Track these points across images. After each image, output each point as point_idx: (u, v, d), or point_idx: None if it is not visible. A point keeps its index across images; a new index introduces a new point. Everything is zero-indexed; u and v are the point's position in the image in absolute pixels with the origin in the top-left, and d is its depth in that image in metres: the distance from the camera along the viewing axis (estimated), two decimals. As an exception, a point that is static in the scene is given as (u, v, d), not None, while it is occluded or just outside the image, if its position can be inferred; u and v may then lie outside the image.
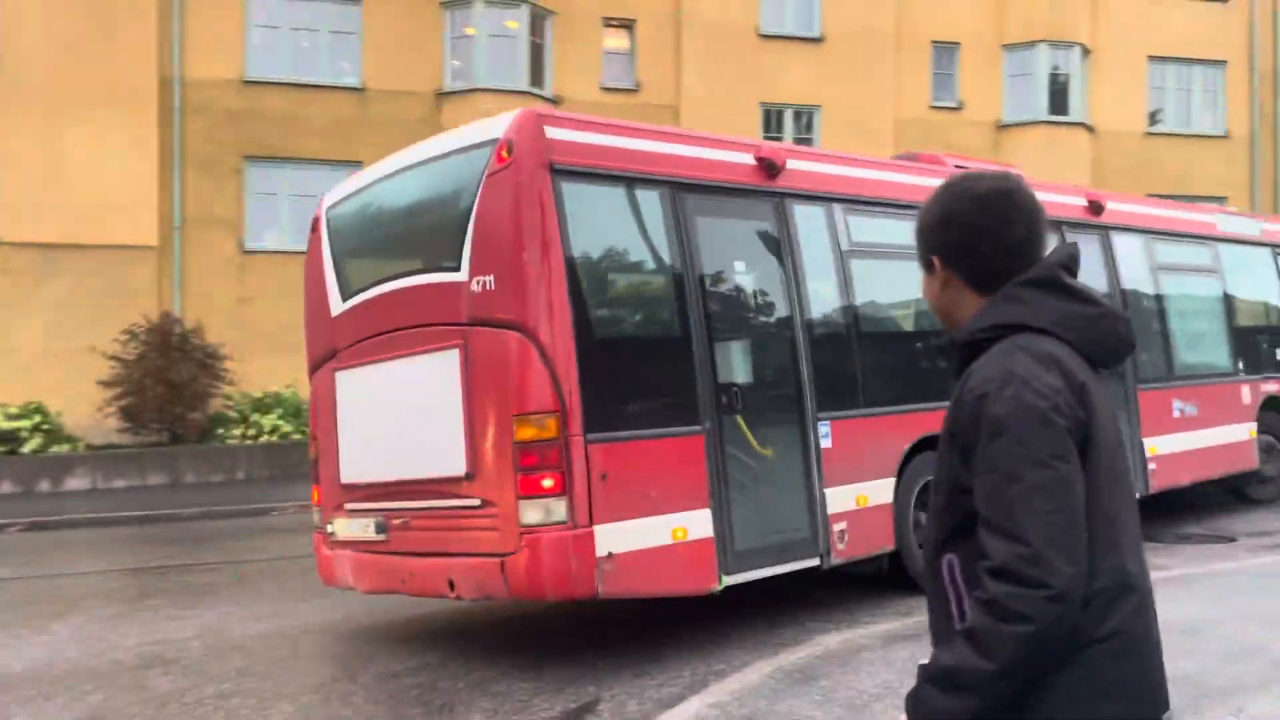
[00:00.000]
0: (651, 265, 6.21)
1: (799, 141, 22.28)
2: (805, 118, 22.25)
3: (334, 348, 6.71)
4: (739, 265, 6.57)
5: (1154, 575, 7.44)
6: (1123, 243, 9.68)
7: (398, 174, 6.53)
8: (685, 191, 6.18)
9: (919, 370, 7.62)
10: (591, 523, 5.37)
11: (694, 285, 6.14)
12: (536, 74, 20.61)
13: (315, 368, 6.96)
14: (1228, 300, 10.93)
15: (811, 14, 22.16)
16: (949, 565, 1.85)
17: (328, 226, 6.94)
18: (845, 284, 7.07)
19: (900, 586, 7.11)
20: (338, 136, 19.86)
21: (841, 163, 7.55)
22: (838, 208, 7.10)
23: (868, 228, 7.29)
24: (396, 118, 19.95)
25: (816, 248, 6.91)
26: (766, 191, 6.65)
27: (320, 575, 6.90)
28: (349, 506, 6.55)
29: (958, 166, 8.57)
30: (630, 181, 6.01)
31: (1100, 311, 1.89)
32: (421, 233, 6.41)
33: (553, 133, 5.68)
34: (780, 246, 6.68)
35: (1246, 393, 10.73)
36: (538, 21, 20.70)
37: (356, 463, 6.51)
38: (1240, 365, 10.84)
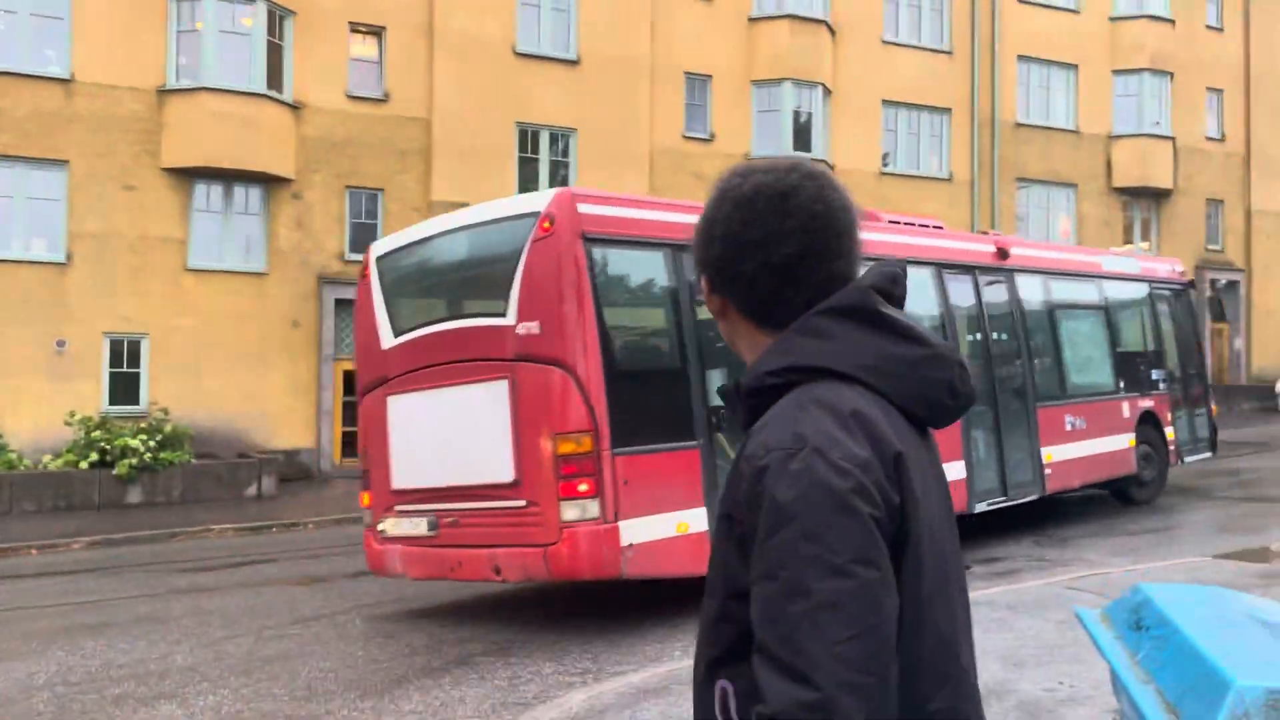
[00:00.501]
0: (657, 312, 7.83)
1: (555, 164, 21.93)
2: (562, 140, 21.94)
3: (385, 375, 8.09)
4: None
5: None
6: (1025, 283, 11.28)
7: (449, 233, 7.99)
8: (681, 251, 7.55)
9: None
10: (617, 519, 6.83)
11: (690, 327, 7.65)
12: (274, 76, 19.18)
13: (365, 392, 8.33)
14: (1111, 329, 12.60)
15: (568, 36, 21.92)
16: (722, 694, 1.38)
17: (378, 273, 8.29)
18: None
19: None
20: (39, 131, 17.66)
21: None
22: None
23: None
24: (109, 114, 17.98)
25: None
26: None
27: (371, 566, 8.32)
28: (399, 508, 7.92)
29: (892, 223, 10.37)
30: (640, 245, 7.58)
31: (927, 353, 1.44)
32: (472, 283, 8.02)
33: (583, 207, 7.18)
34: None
35: (1126, 408, 12.49)
36: (276, 20, 19.28)
37: (408, 472, 7.88)
38: (1121, 385, 12.56)
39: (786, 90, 23.86)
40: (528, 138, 21.68)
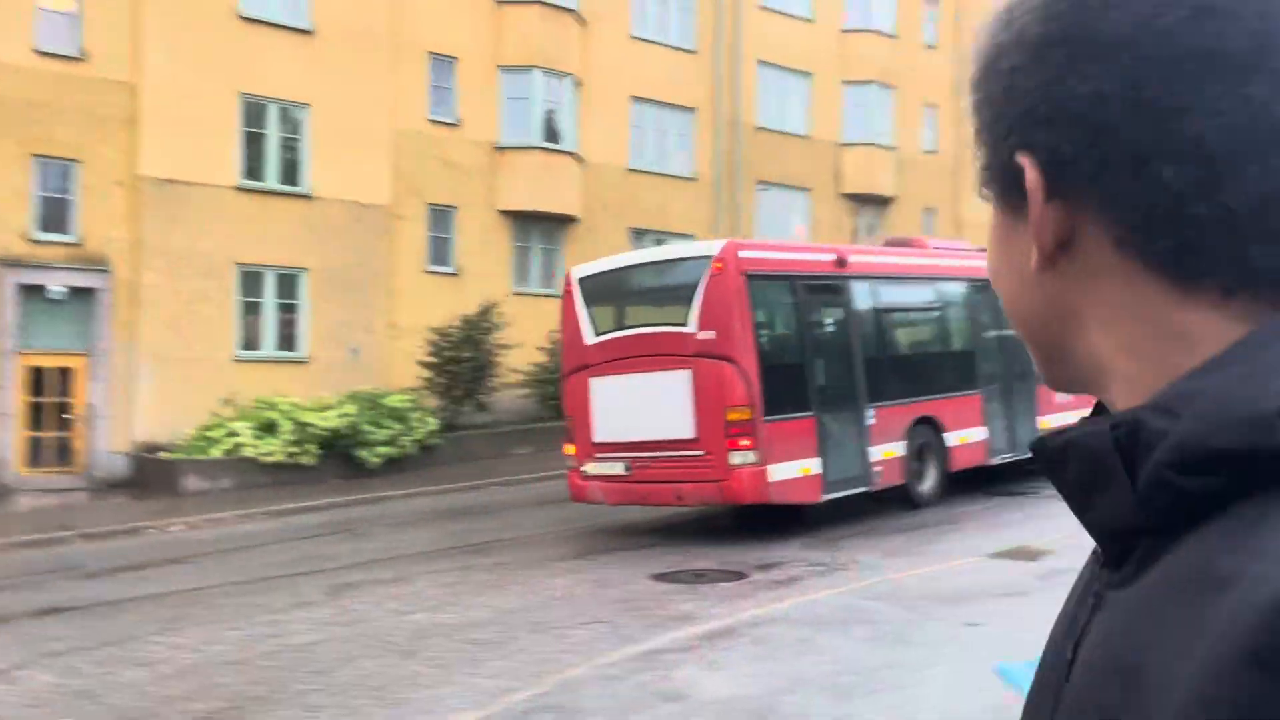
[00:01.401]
0: (787, 323, 11.55)
1: (286, 142, 19.98)
2: (294, 116, 20.00)
3: (587, 363, 11.49)
4: (827, 319, 12.10)
5: (693, 629, 6.24)
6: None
7: (641, 265, 12.00)
8: (800, 280, 11.45)
9: (921, 377, 12.96)
10: (765, 464, 10.30)
11: (805, 333, 11.56)
12: (-61, 22, 16.15)
13: (570, 374, 11.81)
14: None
15: (300, 2, 20.00)
16: None
17: (580, 290, 11.77)
18: (877, 331, 12.65)
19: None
20: None
21: (877, 254, 13.64)
22: (875, 282, 12.63)
23: (895, 294, 13.05)
24: None
25: (863, 309, 12.33)
26: (840, 276, 12.01)
27: (574, 498, 11.76)
28: (600, 456, 11.30)
29: (938, 249, 14.58)
30: (775, 278, 11.14)
31: None
32: (660, 301, 11.61)
33: (742, 254, 10.79)
34: (848, 308, 12.07)
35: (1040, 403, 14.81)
36: (-58, -45, 16.27)
37: (607, 430, 11.25)
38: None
39: (536, 79, 23.03)
40: (253, 111, 19.60)
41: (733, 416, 10.48)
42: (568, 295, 12.11)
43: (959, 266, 13.87)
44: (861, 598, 7.94)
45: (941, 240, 15.68)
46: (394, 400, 18.64)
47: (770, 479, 10.57)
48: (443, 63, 22.17)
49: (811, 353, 11.71)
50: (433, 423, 19.01)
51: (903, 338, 13.53)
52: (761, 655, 6.40)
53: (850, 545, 10.55)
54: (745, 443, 10.41)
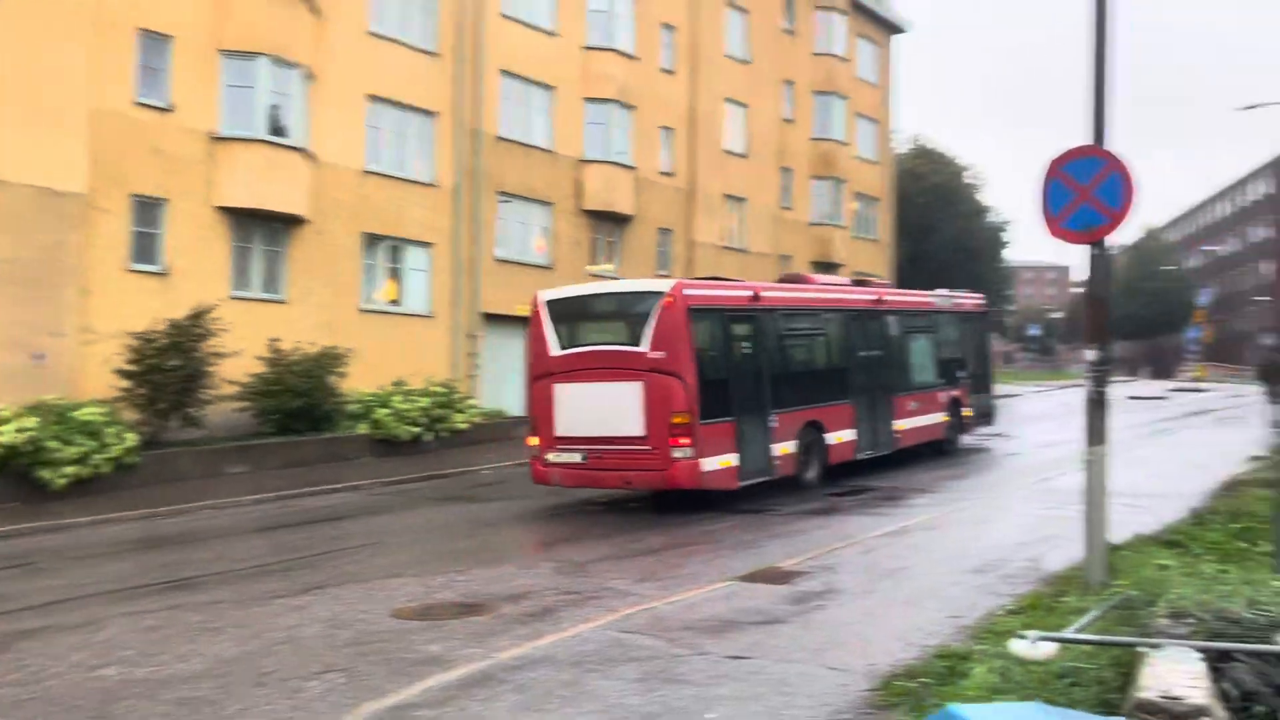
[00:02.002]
0: (718, 346, 14.24)
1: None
2: (-33, 85, 17.35)
3: (551, 371, 14.18)
4: (744, 343, 14.78)
5: (445, 675, 5.49)
6: (891, 318, 18.62)
7: (603, 295, 14.82)
8: (726, 312, 14.45)
9: (809, 389, 15.85)
10: (699, 458, 13.14)
11: (732, 356, 14.50)
12: None
13: (536, 380, 14.47)
14: (936, 343, 20.04)
15: (-19, -44, 17.41)
16: None
17: (547, 310, 14.45)
18: (779, 352, 15.49)
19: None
20: None
21: (779, 290, 16.65)
22: (779, 314, 15.61)
23: (791, 323, 16.06)
24: None
25: (769, 335, 15.24)
26: (754, 309, 14.97)
27: (535, 479, 14.39)
28: (560, 447, 14.03)
29: (823, 284, 18.70)
30: (711, 311, 14.06)
31: None
32: (620, 324, 14.17)
33: (687, 291, 13.67)
34: (760, 334, 15.03)
35: (942, 396, 20.03)
36: None
37: (567, 426, 13.98)
38: (940, 380, 19.98)
39: (262, 67, 21.34)
40: (-83, 76, 16.81)
41: (676, 420, 13.32)
42: (535, 314, 14.64)
43: (838, 299, 17.72)
44: (622, 630, 7.54)
45: (824, 277, 20.37)
46: (86, 413, 16.42)
47: (703, 470, 13.45)
48: (155, 41, 20.05)
49: (733, 370, 14.53)
50: (132, 439, 16.94)
51: (796, 357, 16.37)
52: (528, 706, 5.83)
53: (599, 570, 10.18)
54: (685, 441, 13.28)
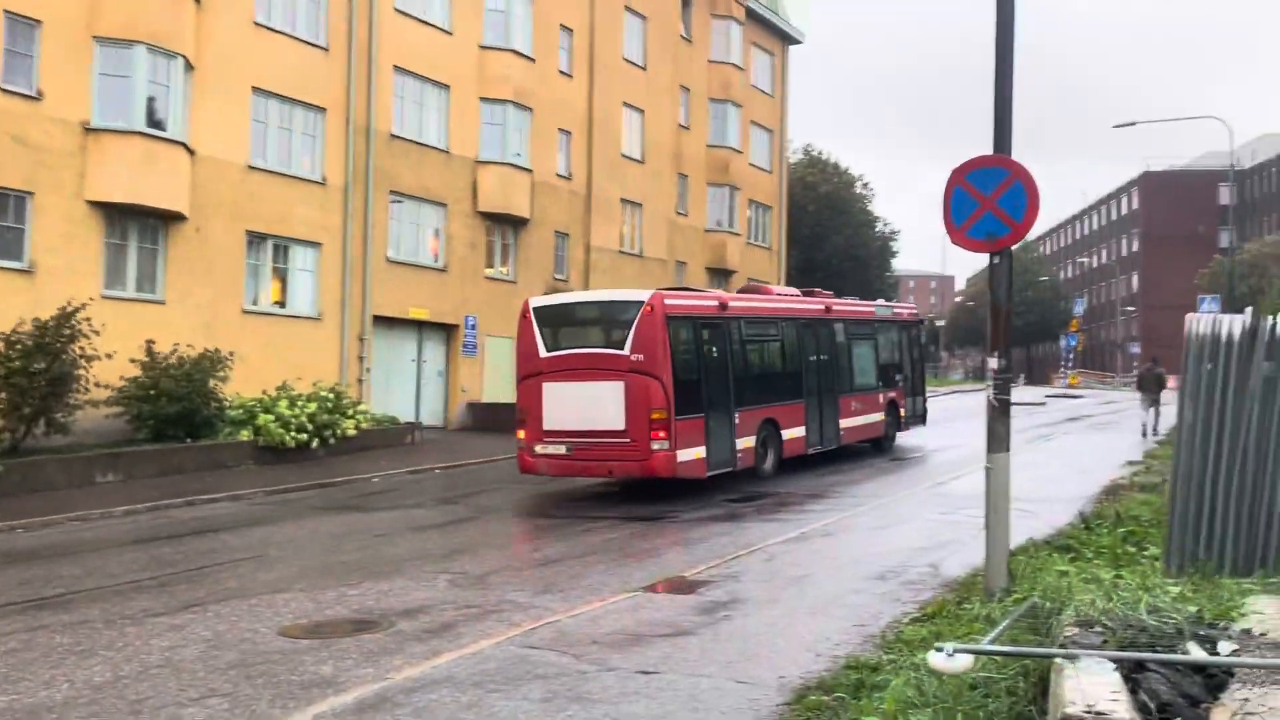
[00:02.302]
0: (693, 349, 15.73)
1: None
2: None
3: (540, 371, 15.50)
4: (713, 348, 16.22)
5: (337, 699, 5.15)
6: (837, 326, 20.33)
7: (588, 303, 16.61)
8: (700, 320, 16.00)
9: (767, 389, 17.58)
10: (674, 449, 14.58)
11: (705, 358, 15.93)
12: None
13: (525, 379, 15.80)
14: (876, 350, 21.77)
15: None
16: None
17: (535, 315, 15.86)
18: (742, 356, 17.19)
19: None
20: None
21: (742, 300, 18.23)
22: (742, 321, 17.26)
23: (753, 330, 17.81)
24: None
25: (734, 340, 16.81)
26: (721, 317, 16.50)
27: (523, 469, 15.80)
28: (547, 440, 15.38)
29: (779, 294, 20.62)
30: (687, 319, 15.66)
31: None
32: (603, 329, 15.65)
33: (667, 300, 15.19)
34: (725, 339, 16.57)
35: (882, 398, 21.86)
36: None
37: (555, 420, 15.30)
38: (879, 383, 21.80)
39: (139, 55, 20.31)
40: None
41: (654, 416, 14.82)
42: (525, 319, 16.08)
43: (791, 309, 19.53)
44: (526, 646, 7.28)
45: (779, 288, 22.77)
46: (-60, 419, 15.29)
47: (678, 460, 14.99)
48: (21, 24, 18.90)
49: (703, 371, 16.01)
50: (-7, 447, 15.85)
51: (756, 361, 18.07)
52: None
53: (498, 582, 9.87)
54: (662, 434, 14.79)
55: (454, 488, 17.85)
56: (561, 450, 15.44)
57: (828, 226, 53.32)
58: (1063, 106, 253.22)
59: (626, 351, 14.99)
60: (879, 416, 21.63)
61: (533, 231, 30.76)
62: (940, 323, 70.19)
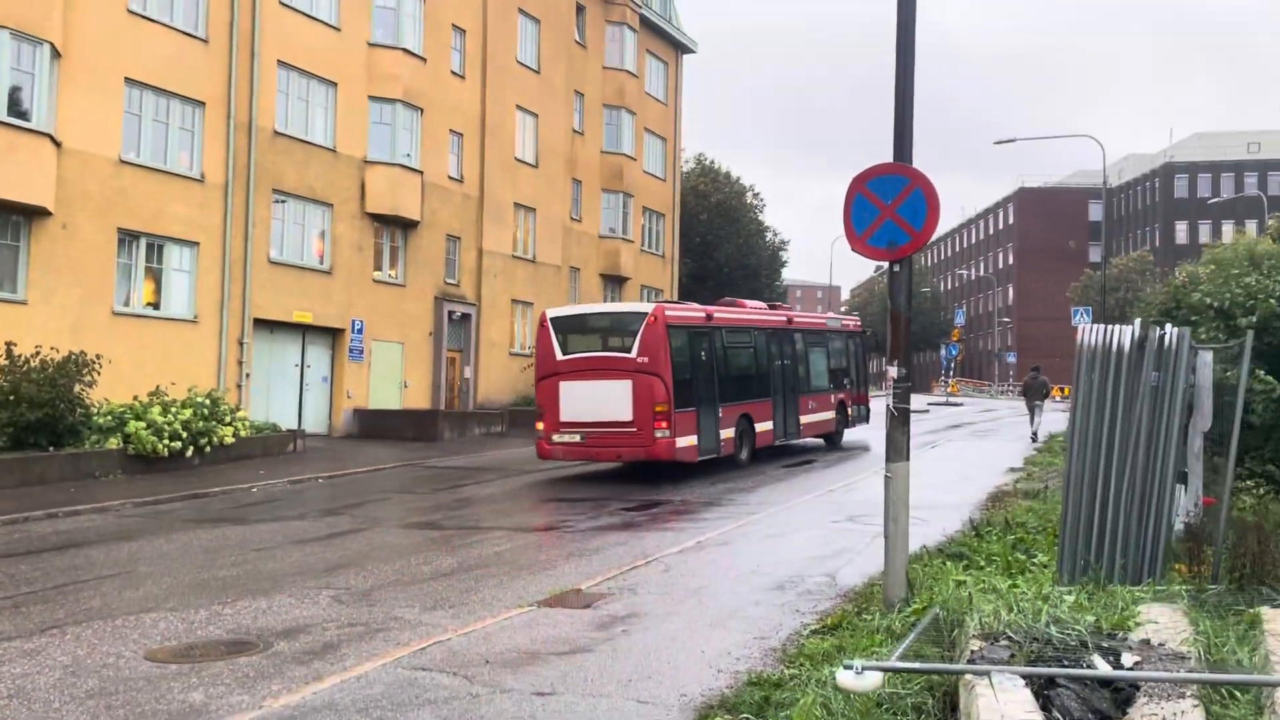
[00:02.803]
0: (686, 354, 18.65)
1: None
2: None
3: (557, 372, 18.43)
4: (702, 352, 19.24)
5: None
6: (797, 335, 23.24)
7: (600, 314, 20.10)
8: (692, 328, 19.18)
9: (743, 388, 20.34)
10: (673, 438, 17.77)
11: (698, 359, 19.10)
12: None
13: (543, 379, 18.76)
14: (828, 356, 24.84)
15: None
16: None
17: (552, 324, 18.74)
18: (724, 359, 20.11)
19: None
20: None
21: (724, 311, 21.01)
22: (724, 330, 20.26)
23: (732, 337, 20.65)
24: None
25: (718, 346, 19.85)
26: (708, 326, 19.74)
27: (540, 456, 18.75)
28: (563, 430, 18.32)
29: (753, 307, 23.44)
30: (683, 327, 18.77)
31: None
32: (614, 336, 18.70)
33: (668, 312, 18.54)
34: (711, 346, 19.62)
35: (833, 398, 24.74)
36: None
37: (570, 413, 18.23)
38: (831, 385, 24.78)
39: (3, 42, 19.06)
40: None
41: (658, 409, 17.85)
42: (543, 327, 19.10)
43: (761, 319, 22.36)
44: (415, 668, 6.89)
45: (750, 302, 24.37)
46: None
47: (677, 446, 18.03)
48: None
49: (694, 372, 18.96)
50: None
51: (734, 363, 20.83)
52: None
53: (385, 598, 9.43)
54: (663, 424, 17.80)
55: (339, 498, 17.25)
56: (576, 439, 18.54)
57: (719, 235, 53.73)
58: (940, 123, 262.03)
59: (633, 354, 18.12)
60: (831, 414, 24.84)
61: (423, 234, 30.08)
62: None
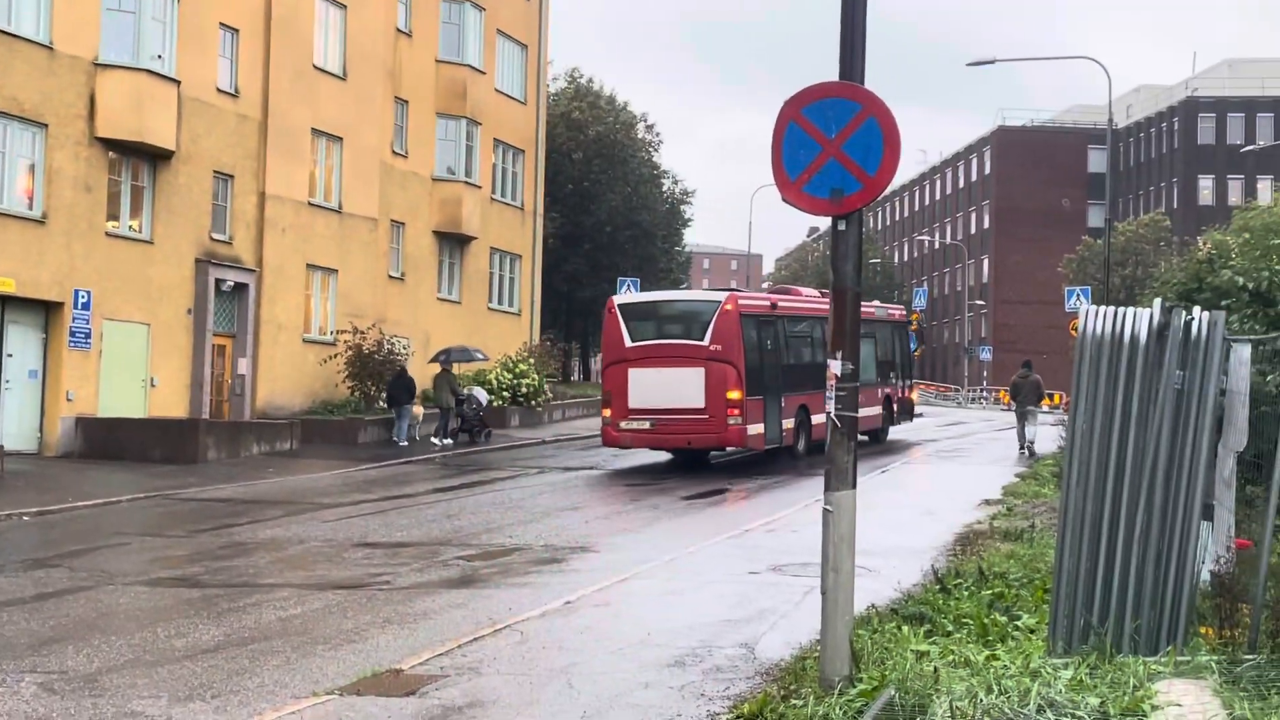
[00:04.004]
0: (755, 342, 26.39)
1: None
2: None
3: (625, 359, 25.90)
4: (768, 342, 27.34)
5: None
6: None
7: (671, 301, 29.54)
8: (760, 317, 27.33)
9: (803, 379, 27.77)
10: (745, 425, 25.25)
11: (770, 347, 27.41)
12: None
13: (610, 365, 26.63)
14: (875, 348, 32.11)
15: None
16: None
17: (621, 311, 26.25)
18: (788, 349, 28.87)
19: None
20: None
21: (788, 299, 30.93)
22: (787, 319, 28.99)
23: (794, 327, 29.47)
24: None
25: (782, 335, 28.46)
26: (773, 315, 28.29)
27: (607, 443, 26.54)
28: (632, 417, 25.56)
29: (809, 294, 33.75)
30: (752, 316, 26.57)
31: None
32: (685, 323, 26.34)
33: (741, 300, 26.46)
34: (776, 335, 28.00)
35: (879, 393, 32.33)
36: None
37: (639, 400, 25.45)
38: (878, 378, 32.50)
39: None
40: None
41: (730, 396, 24.13)
42: (610, 314, 25.90)
43: (817, 308, 29.04)
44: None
45: (804, 289, 33.97)
46: None
47: (748, 434, 24.53)
48: None
49: (762, 361, 25.78)
50: None
51: (794, 352, 28.32)
52: None
53: (119, 685, 9.13)
54: (736, 412, 24.07)
55: (54, 543, 16.80)
56: (645, 425, 25.02)
57: (600, 182, 53.93)
58: (896, 42, 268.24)
59: (706, 342, 24.46)
60: (877, 410, 31.65)
61: (180, 170, 29.40)
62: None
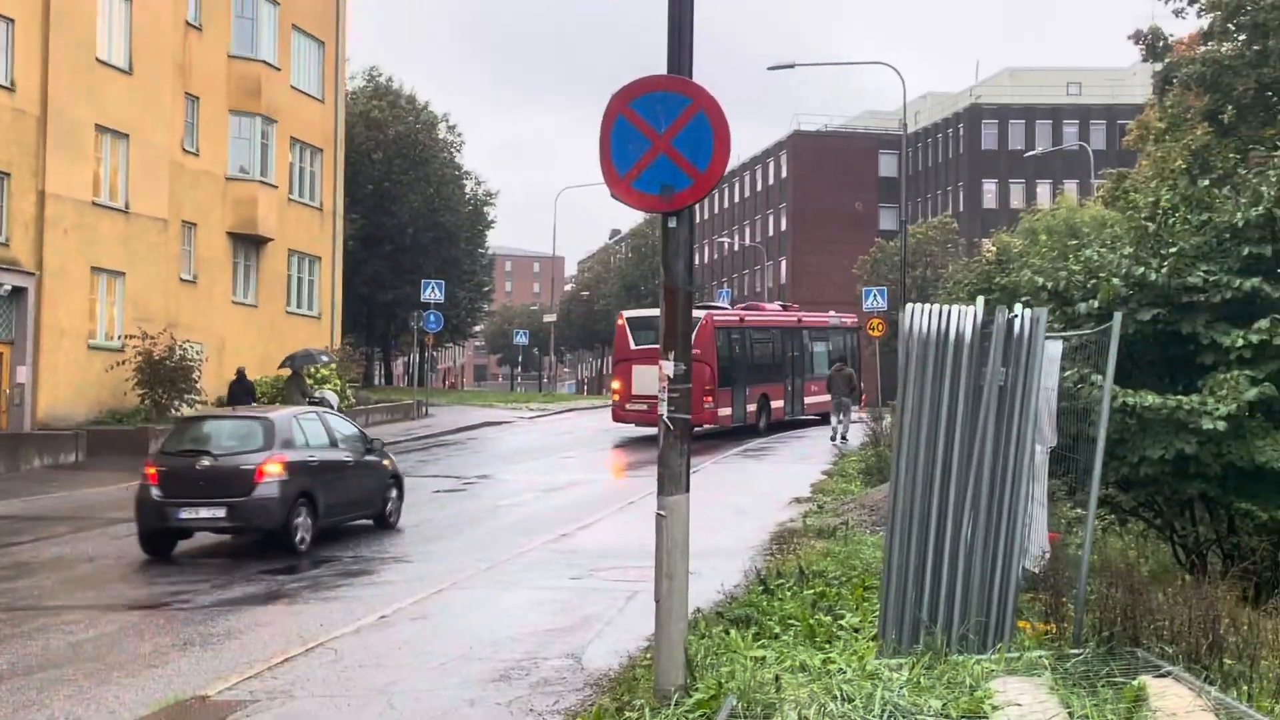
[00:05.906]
0: (725, 347, 37.51)
1: None
2: None
3: (630, 358, 35.97)
4: (737, 346, 38.50)
5: None
6: (804, 332, 42.79)
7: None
8: (730, 328, 38.30)
9: (764, 373, 39.96)
10: (717, 409, 35.99)
11: (731, 351, 37.98)
12: None
13: (619, 362, 37.26)
14: (828, 350, 42.95)
15: None
16: None
17: (628, 323, 37.06)
18: (751, 350, 40.18)
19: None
20: None
21: (752, 313, 42.78)
22: (752, 330, 40.71)
23: (757, 334, 41.32)
24: None
25: (747, 340, 39.81)
26: (741, 326, 39.65)
27: (614, 419, 37.07)
28: (634, 401, 35.27)
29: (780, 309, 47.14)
30: (724, 328, 37.62)
31: None
32: None
33: (716, 317, 37.54)
34: (742, 341, 39.41)
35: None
36: None
37: (639, 389, 34.42)
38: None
39: None
40: None
41: (706, 388, 32.88)
42: (620, 325, 36.21)
43: (778, 320, 40.86)
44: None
45: (768, 305, 47.50)
46: None
47: (718, 415, 34.69)
48: None
49: (733, 360, 35.91)
50: None
51: (758, 354, 38.17)
52: None
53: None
54: (709, 399, 33.62)
55: None
56: (643, 408, 31.97)
57: (401, 183, 53.11)
58: (705, 50, 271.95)
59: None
60: (827, 398, 38.85)
61: (-48, 167, 27.65)
62: (550, 319, 72.58)
